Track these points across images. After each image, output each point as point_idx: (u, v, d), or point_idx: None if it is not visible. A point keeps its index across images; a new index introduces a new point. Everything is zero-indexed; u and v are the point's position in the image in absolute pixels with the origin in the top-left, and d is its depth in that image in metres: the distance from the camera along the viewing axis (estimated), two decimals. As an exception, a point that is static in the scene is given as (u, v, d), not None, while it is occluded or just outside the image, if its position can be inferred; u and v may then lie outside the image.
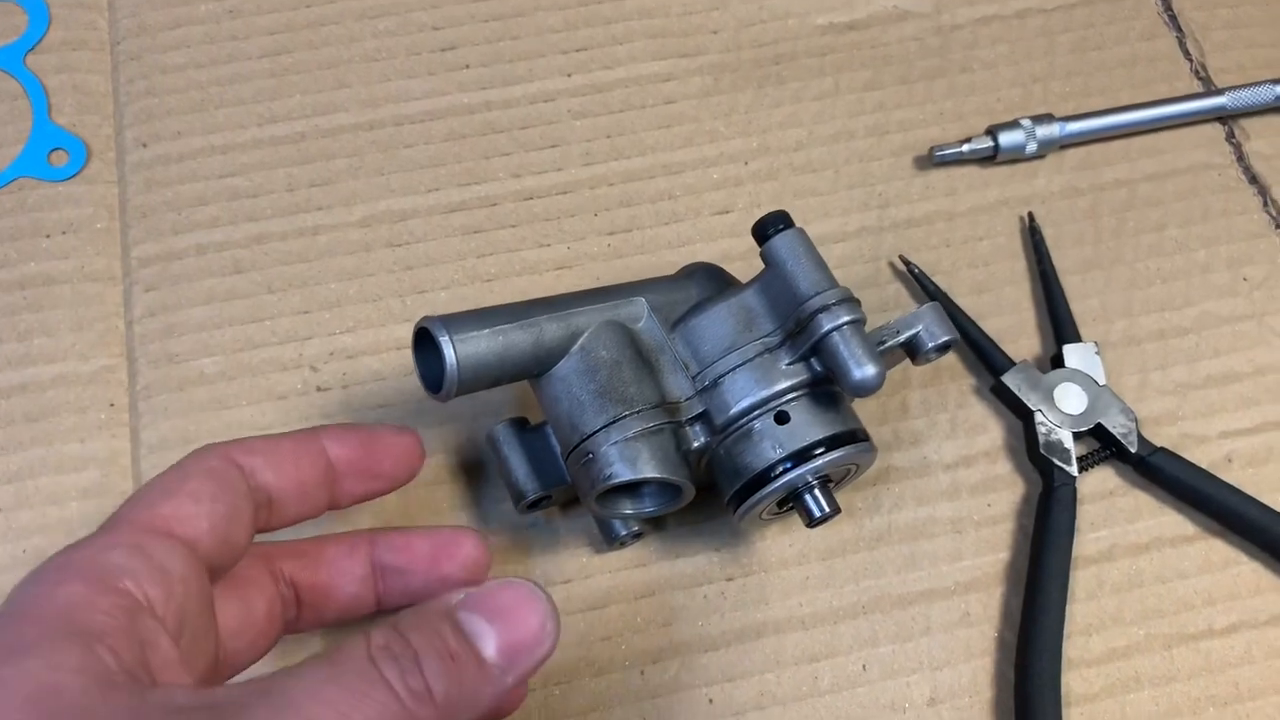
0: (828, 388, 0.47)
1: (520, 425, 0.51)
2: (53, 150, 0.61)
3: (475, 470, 0.54)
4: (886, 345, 0.47)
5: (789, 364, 0.46)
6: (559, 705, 0.50)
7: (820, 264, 0.46)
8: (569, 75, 0.63)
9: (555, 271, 0.59)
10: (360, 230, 0.59)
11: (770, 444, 0.46)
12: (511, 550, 0.53)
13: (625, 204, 0.60)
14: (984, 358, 0.56)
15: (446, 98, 0.62)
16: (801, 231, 0.47)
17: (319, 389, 0.56)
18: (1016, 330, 0.58)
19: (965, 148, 0.60)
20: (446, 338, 0.44)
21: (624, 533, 0.52)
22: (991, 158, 0.61)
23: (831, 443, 0.46)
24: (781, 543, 0.53)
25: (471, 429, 0.55)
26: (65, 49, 0.63)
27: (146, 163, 0.60)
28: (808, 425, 0.46)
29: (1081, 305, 0.58)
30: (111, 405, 0.56)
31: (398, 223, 0.59)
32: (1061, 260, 0.59)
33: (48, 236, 0.59)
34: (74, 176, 0.60)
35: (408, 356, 0.55)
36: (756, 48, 0.64)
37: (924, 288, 0.58)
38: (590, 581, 0.52)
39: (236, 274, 0.58)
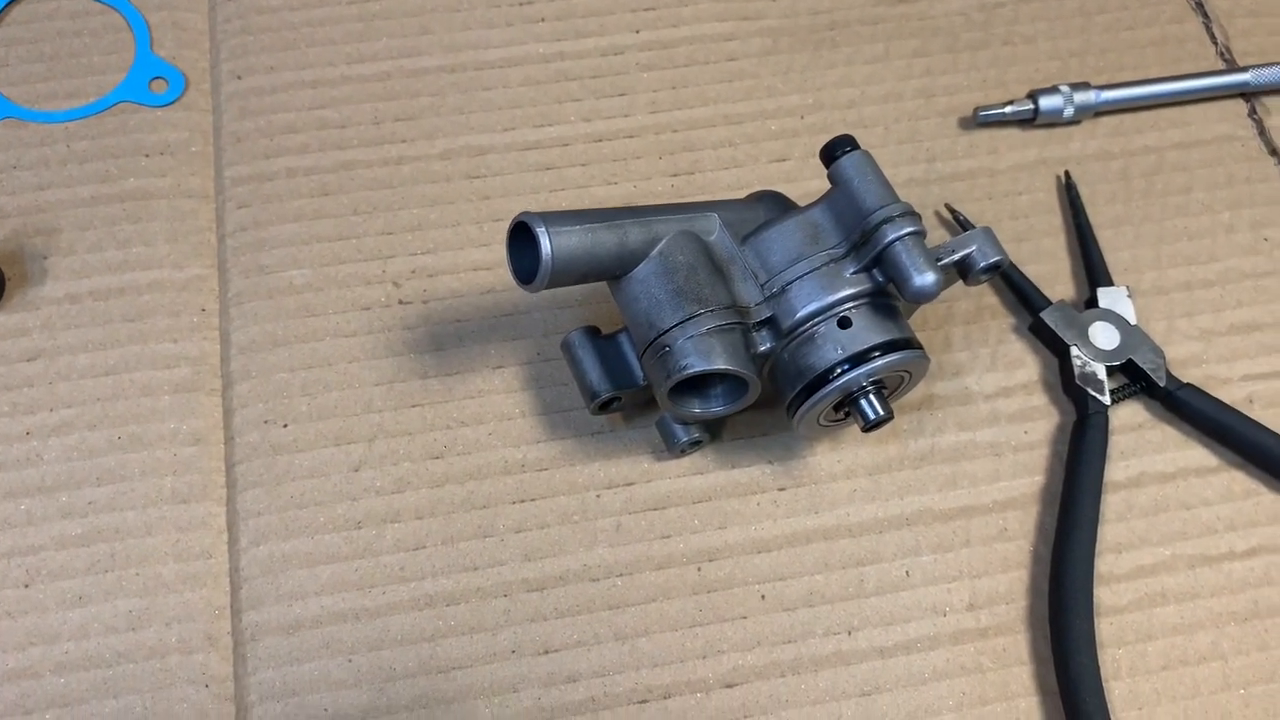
0: (887, 299, 0.51)
1: (593, 333, 0.55)
2: (153, 79, 0.65)
3: (545, 381, 0.58)
4: (943, 262, 0.51)
5: (853, 273, 0.50)
6: (621, 595, 0.53)
7: (885, 182, 0.50)
8: (637, 31, 0.68)
9: (622, 207, 0.62)
10: (441, 162, 0.63)
11: (832, 346, 0.50)
12: (578, 455, 0.56)
13: (688, 149, 0.64)
14: (1023, 298, 0.60)
15: (523, 47, 0.67)
16: (867, 153, 0.51)
17: (401, 302, 0.59)
18: (1052, 277, 0.62)
19: (1008, 109, 0.64)
20: (544, 229, 0.47)
21: (684, 440, 0.55)
22: (1031, 120, 0.65)
23: (889, 347, 0.50)
24: (830, 458, 0.57)
25: (542, 345, 0.59)
26: (166, -11, 0.68)
27: (241, 93, 0.64)
28: (868, 330, 0.50)
29: (1113, 257, 0.62)
30: (203, 310, 0.59)
31: (476, 157, 0.63)
32: (1095, 216, 0.63)
33: (146, 156, 0.63)
34: (172, 103, 0.64)
35: (485, 277, 0.60)
36: (813, 15, 0.69)
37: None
38: (651, 485, 0.56)
39: (324, 196, 0.62)
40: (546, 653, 0.52)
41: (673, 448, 0.55)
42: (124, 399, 0.57)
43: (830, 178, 0.52)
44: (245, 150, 0.63)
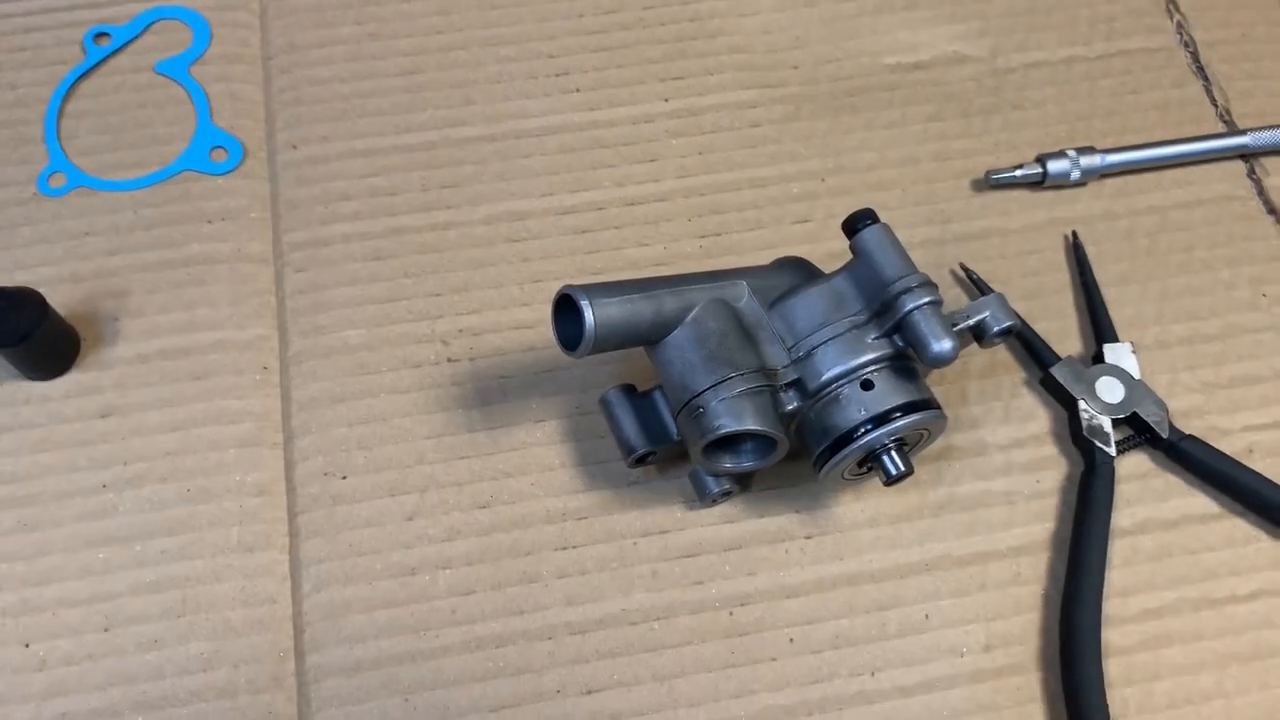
0: (907, 362, 0.55)
1: (629, 390, 0.59)
2: (213, 148, 0.69)
3: (584, 434, 0.61)
4: (959, 327, 0.54)
5: (874, 339, 0.54)
6: (659, 638, 0.57)
7: (903, 253, 0.54)
8: (666, 100, 0.72)
9: (654, 268, 0.66)
10: (484, 227, 0.67)
11: (856, 407, 0.53)
12: (614, 504, 0.60)
13: (715, 211, 0.68)
14: (1034, 354, 0.64)
15: (559, 116, 0.71)
16: (887, 226, 0.55)
17: (449, 360, 0.63)
18: (1061, 333, 0.65)
19: (1018, 172, 0.68)
20: (587, 302, 0.51)
21: (715, 491, 0.59)
22: (1040, 183, 0.69)
23: (909, 408, 0.53)
24: (855, 508, 0.60)
25: (580, 399, 0.62)
26: (223, 62, 0.72)
27: (296, 162, 0.69)
28: (889, 392, 0.53)
29: (1118, 313, 0.65)
30: (265, 368, 0.63)
31: (517, 221, 0.67)
32: (1100, 274, 0.67)
33: (209, 222, 0.67)
34: (231, 171, 0.69)
35: (527, 335, 0.64)
36: (833, 82, 0.73)
37: (981, 292, 0.65)
38: (684, 533, 0.59)
39: (377, 260, 0.66)
40: (589, 693, 0.56)
41: (705, 498, 0.59)
42: (192, 453, 0.61)
43: (852, 248, 0.55)
44: (302, 217, 0.67)
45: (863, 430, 0.53)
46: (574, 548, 0.59)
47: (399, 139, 0.70)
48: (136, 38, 0.73)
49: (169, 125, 0.70)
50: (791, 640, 0.57)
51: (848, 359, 0.53)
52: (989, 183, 0.69)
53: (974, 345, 0.57)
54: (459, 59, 0.72)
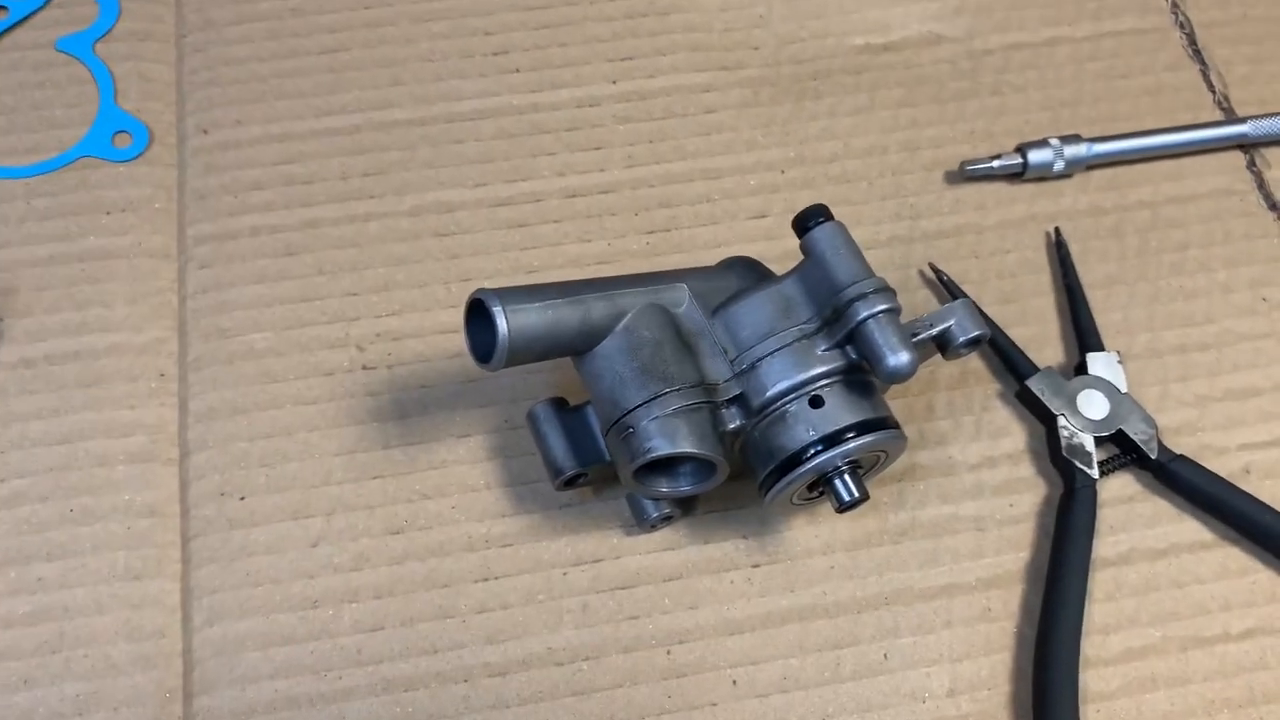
0: (861, 376, 0.49)
1: (560, 405, 0.53)
2: (117, 133, 0.63)
3: (512, 451, 0.56)
4: (919, 337, 0.49)
5: (825, 350, 0.48)
6: (587, 680, 0.51)
7: (858, 255, 0.48)
8: (614, 82, 0.66)
9: (596, 266, 0.61)
10: (409, 219, 0.61)
11: (804, 427, 0.48)
12: (543, 530, 0.54)
13: (664, 205, 0.62)
14: (1009, 364, 0.58)
15: (496, 98, 0.65)
16: (840, 224, 0.49)
17: (365, 367, 0.57)
18: (1041, 340, 0.60)
19: (995, 163, 0.62)
20: (500, 308, 0.45)
21: (655, 515, 0.53)
22: (1020, 174, 0.63)
23: (863, 428, 0.48)
24: (807, 533, 0.55)
25: (510, 412, 0.57)
26: (133, 39, 0.66)
27: (206, 148, 0.63)
28: (841, 410, 0.48)
29: (1104, 318, 0.60)
30: (161, 375, 0.57)
31: (445, 214, 0.61)
32: (1085, 275, 0.61)
33: (108, 214, 0.61)
34: (136, 158, 0.63)
35: (452, 340, 0.58)
36: (795, 64, 0.67)
37: (952, 295, 0.59)
38: (620, 562, 0.54)
39: (289, 255, 0.60)
40: (507, 742, 0.50)
41: (643, 523, 0.53)
42: (77, 469, 0.55)
43: (802, 249, 0.50)
44: (209, 208, 0.61)
45: (811, 452, 0.47)
46: (496, 579, 0.53)
47: (319, 123, 0.64)
48: (37, 11, 0.67)
49: (68, 107, 0.64)
50: (735, 683, 0.52)
51: (795, 373, 0.48)
52: (963, 174, 0.63)
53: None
54: (387, 35, 0.66)
